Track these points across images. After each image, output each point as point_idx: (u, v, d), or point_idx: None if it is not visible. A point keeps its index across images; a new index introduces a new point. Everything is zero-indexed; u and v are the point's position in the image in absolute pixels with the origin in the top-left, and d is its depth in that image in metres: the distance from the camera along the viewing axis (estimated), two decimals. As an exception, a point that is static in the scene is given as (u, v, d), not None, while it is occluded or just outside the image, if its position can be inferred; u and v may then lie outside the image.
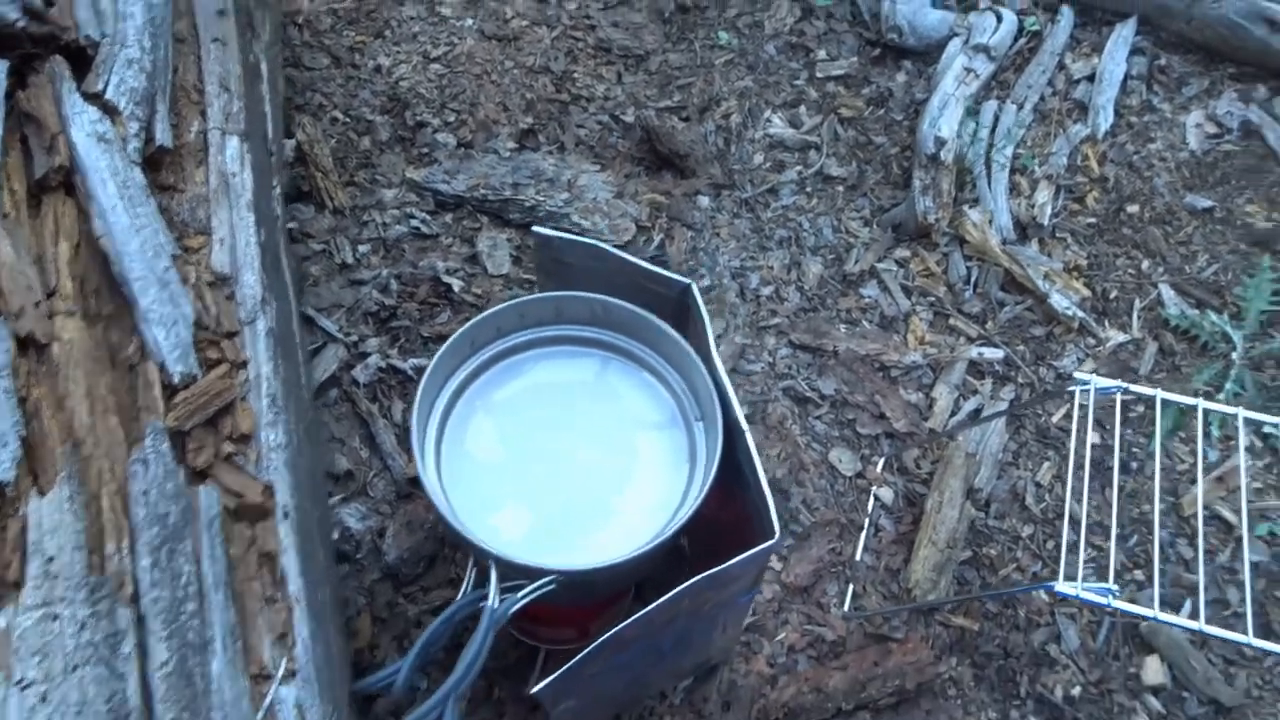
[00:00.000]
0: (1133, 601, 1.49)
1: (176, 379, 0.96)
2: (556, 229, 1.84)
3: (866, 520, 1.57)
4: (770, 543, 0.92)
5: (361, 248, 1.80)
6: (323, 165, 1.88)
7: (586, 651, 0.89)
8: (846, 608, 1.49)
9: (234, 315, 1.04)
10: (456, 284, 1.74)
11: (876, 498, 1.59)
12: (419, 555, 1.44)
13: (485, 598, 0.93)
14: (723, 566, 0.92)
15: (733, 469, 1.07)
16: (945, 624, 1.49)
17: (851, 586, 1.50)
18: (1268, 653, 1.24)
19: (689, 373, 1.13)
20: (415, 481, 1.49)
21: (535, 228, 1.15)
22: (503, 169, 1.89)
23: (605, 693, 1.08)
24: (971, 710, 1.42)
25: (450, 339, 1.08)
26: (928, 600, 1.44)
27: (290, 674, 0.88)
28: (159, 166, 1.10)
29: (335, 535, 1.40)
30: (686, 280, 1.13)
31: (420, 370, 1.60)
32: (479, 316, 1.12)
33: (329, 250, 1.78)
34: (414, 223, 1.84)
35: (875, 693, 1.37)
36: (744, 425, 1.02)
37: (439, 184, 1.87)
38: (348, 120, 2.01)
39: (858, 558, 1.53)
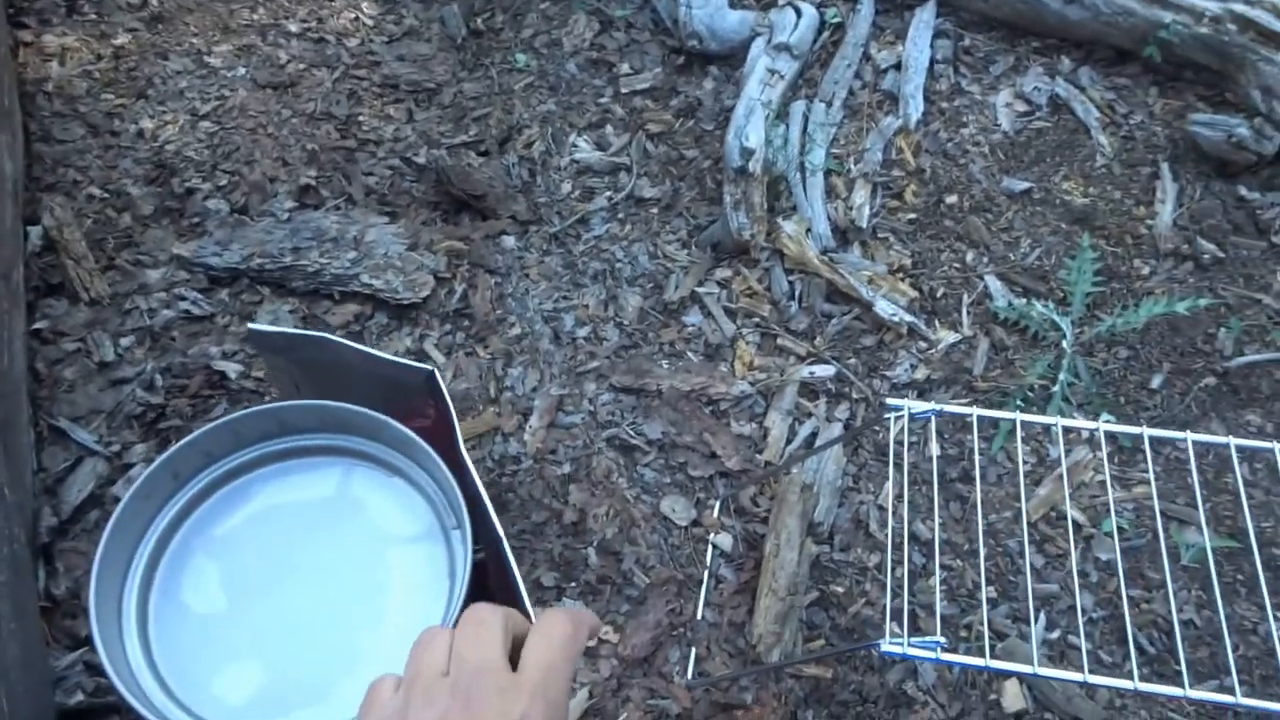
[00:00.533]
0: (989, 623, 1.41)
1: None
2: (344, 293, 1.69)
3: (706, 573, 1.45)
4: None
5: (124, 340, 1.60)
6: (75, 251, 1.67)
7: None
8: (690, 675, 1.37)
9: None
10: (233, 370, 1.56)
11: (714, 546, 1.48)
12: (200, 695, 1.26)
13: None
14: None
15: (499, 567, 0.94)
16: (797, 676, 1.38)
17: (694, 650, 1.39)
18: (1108, 687, 1.16)
19: (438, 474, 0.98)
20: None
21: (250, 324, 0.99)
22: (281, 233, 1.71)
23: None
24: (832, 768, 1.32)
25: (142, 476, 0.91)
26: (770, 660, 1.33)
27: None
28: None
29: (90, 689, 1.21)
30: (427, 368, 0.98)
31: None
32: (179, 443, 0.95)
33: (85, 349, 1.58)
34: (184, 305, 1.65)
35: (724, 771, 1.26)
36: (501, 532, 0.88)
37: (210, 257, 1.68)
38: (106, 196, 1.80)
39: (699, 616, 1.41)
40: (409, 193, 1.85)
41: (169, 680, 0.87)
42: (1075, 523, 1.49)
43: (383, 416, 0.96)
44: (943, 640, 1.05)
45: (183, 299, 1.66)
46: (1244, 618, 1.39)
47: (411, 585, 0.96)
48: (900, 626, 1.10)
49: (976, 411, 1.17)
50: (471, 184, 1.79)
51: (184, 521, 0.94)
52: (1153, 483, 1.10)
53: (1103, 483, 1.53)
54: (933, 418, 1.20)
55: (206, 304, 1.66)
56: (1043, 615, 1.42)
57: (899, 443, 1.40)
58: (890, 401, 1.18)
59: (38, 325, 1.60)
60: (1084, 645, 1.03)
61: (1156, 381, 1.59)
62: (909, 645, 1.07)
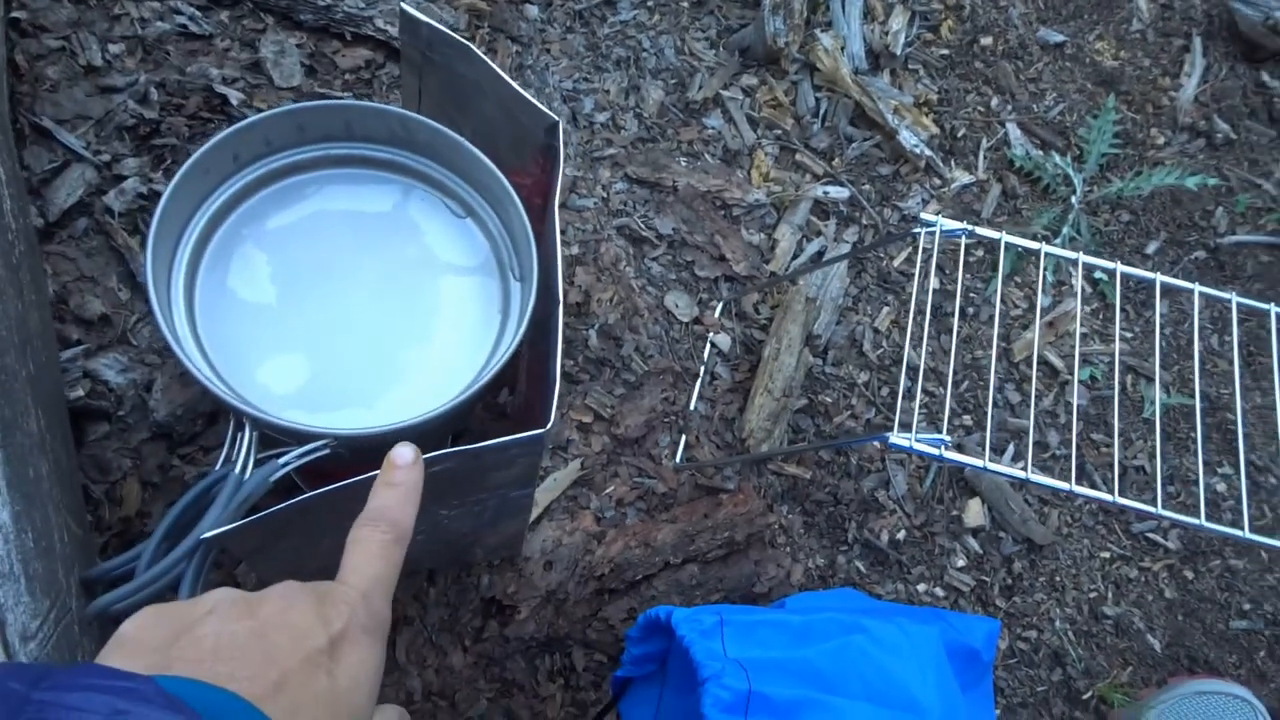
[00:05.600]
0: (960, 447, 1.49)
1: None
2: (356, 35, 1.59)
3: (702, 369, 1.48)
4: (538, 432, 0.75)
5: (113, 47, 1.48)
6: (58, -60, 1.52)
7: (263, 514, 0.73)
8: (679, 459, 1.41)
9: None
10: (235, 96, 1.47)
11: (713, 344, 1.50)
12: (195, 411, 1.24)
13: (234, 468, 0.77)
14: (474, 447, 0.75)
15: (542, 332, 0.93)
16: (778, 473, 1.44)
17: (685, 437, 1.43)
18: (1086, 497, 1.25)
19: (509, 218, 0.96)
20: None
21: (403, 4, 0.92)
22: (291, -42, 1.58)
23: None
24: (800, 557, 1.40)
25: (202, 149, 0.86)
26: (760, 451, 1.38)
27: (-12, 570, 0.71)
28: None
29: (85, 390, 1.18)
30: (554, 117, 0.91)
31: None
32: (242, 123, 0.90)
33: (70, 49, 1.46)
34: (180, 19, 1.52)
35: (704, 545, 1.32)
36: (560, 296, 0.85)
37: (211, -28, 1.55)
38: (91, -115, 1.62)
39: (692, 407, 1.45)
40: (429, -59, 1.72)
41: (215, 362, 0.86)
42: (1054, 368, 1.57)
43: (460, 139, 0.92)
44: (948, 439, 1.10)
45: (179, 13, 1.53)
46: (1189, 469, 1.51)
47: (461, 312, 0.95)
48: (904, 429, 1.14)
49: (1005, 236, 1.19)
50: (501, -59, 1.67)
51: (237, 208, 0.90)
52: (1158, 332, 1.14)
53: (1085, 335, 1.60)
54: (963, 237, 1.22)
55: (205, 23, 1.53)
56: (1011, 447, 1.51)
57: (926, 250, 1.42)
58: (924, 216, 1.19)
59: (15, 14, 1.46)
60: (1073, 462, 1.10)
61: (1152, 248, 1.65)
62: (915, 440, 1.11)
